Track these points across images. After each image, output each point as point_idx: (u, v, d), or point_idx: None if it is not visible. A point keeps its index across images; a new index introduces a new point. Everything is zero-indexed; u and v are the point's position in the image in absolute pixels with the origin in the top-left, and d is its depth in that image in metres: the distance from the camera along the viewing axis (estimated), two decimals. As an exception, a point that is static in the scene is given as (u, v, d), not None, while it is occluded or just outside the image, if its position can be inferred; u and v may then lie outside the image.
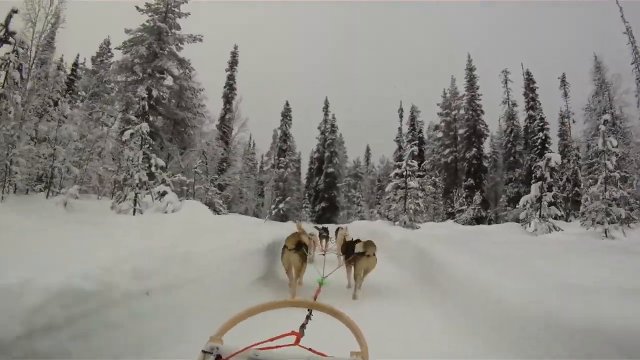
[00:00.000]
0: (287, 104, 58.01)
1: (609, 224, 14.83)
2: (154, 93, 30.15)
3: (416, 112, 55.58)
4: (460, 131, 50.78)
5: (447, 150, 50.48)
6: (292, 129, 58.18)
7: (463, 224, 31.99)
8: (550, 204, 13.36)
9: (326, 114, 59.95)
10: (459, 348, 4.45)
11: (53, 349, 2.73)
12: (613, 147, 15.73)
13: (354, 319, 1.80)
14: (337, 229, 13.13)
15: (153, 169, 15.76)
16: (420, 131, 53.20)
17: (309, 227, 12.71)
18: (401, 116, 56.51)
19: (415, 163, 21.71)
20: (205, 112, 36.69)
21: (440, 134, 52.62)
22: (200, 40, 33.00)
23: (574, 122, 47.73)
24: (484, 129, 49.58)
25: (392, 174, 21.66)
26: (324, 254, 11.13)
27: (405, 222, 18.63)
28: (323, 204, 55.58)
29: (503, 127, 50.24)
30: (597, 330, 3.05)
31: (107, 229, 9.68)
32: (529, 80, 47.21)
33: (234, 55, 46.49)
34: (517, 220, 39.10)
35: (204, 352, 1.50)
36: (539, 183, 13.98)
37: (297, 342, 1.68)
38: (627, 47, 37.93)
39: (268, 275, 7.93)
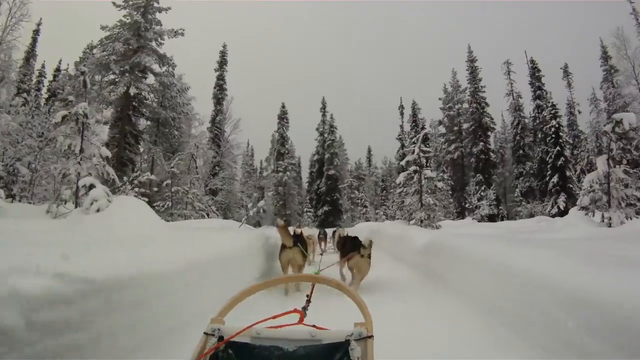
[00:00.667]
0: (283, 106, 54.61)
1: None
2: (132, 91, 26.50)
3: (417, 108, 51.95)
4: (465, 125, 47.70)
5: (453, 146, 47.14)
6: (291, 133, 55.24)
7: (479, 222, 29.04)
8: (624, 184, 9.48)
9: (324, 115, 56.28)
10: None
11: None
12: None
13: None
14: (335, 231, 13.46)
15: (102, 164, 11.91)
16: (423, 127, 49.45)
17: (306, 231, 11.86)
18: (402, 113, 53.26)
19: (430, 149, 17.77)
20: (194, 114, 33.22)
21: (443, 130, 49.30)
22: (182, 34, 29.29)
23: (579, 112, 44.71)
24: (489, 122, 46.05)
25: (403, 162, 17.78)
26: (321, 254, 10.72)
27: (422, 221, 14.83)
28: (325, 208, 51.82)
29: (509, 120, 47.11)
30: None
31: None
32: (534, 69, 44.00)
33: (223, 54, 43.05)
34: (532, 215, 37.42)
35: (206, 334, 1.49)
36: (604, 157, 10.01)
37: (300, 320, 1.66)
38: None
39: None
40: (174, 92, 29.58)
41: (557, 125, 37.47)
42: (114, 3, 28.39)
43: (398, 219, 38.80)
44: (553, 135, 37.55)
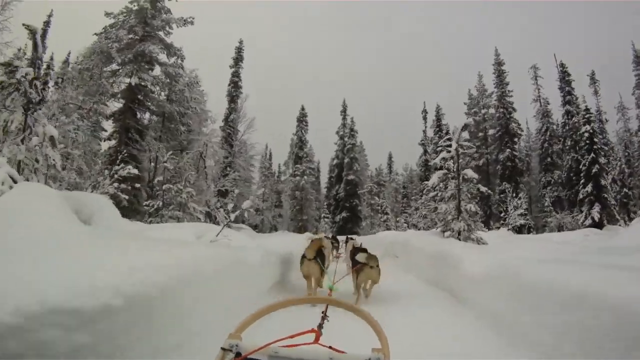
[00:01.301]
0: (303, 109, 51.78)
1: None
2: (133, 81, 23.77)
3: (441, 113, 48.59)
4: (491, 131, 44.04)
5: (477, 153, 43.51)
6: (311, 138, 53.07)
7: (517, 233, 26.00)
8: None
9: (344, 118, 52.83)
10: None
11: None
12: None
13: None
14: (347, 239, 13.46)
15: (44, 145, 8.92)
16: (447, 132, 46.01)
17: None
18: (425, 118, 50.00)
19: (472, 145, 14.45)
20: (206, 111, 30.34)
21: (467, 135, 45.77)
22: (192, 23, 26.41)
23: (607, 120, 42.71)
24: (516, 127, 42.40)
25: (437, 159, 14.53)
26: (336, 258, 11.29)
27: (459, 232, 11.55)
28: (344, 214, 48.27)
29: (537, 126, 43.35)
30: None
31: None
32: (564, 73, 40.17)
33: (239, 50, 40.07)
34: (560, 227, 34.28)
35: (223, 349, 1.49)
36: None
37: (316, 340, 1.64)
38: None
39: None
40: (182, 85, 26.77)
41: (591, 131, 33.74)
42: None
43: (421, 228, 35.86)
44: (587, 142, 33.86)
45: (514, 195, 36.28)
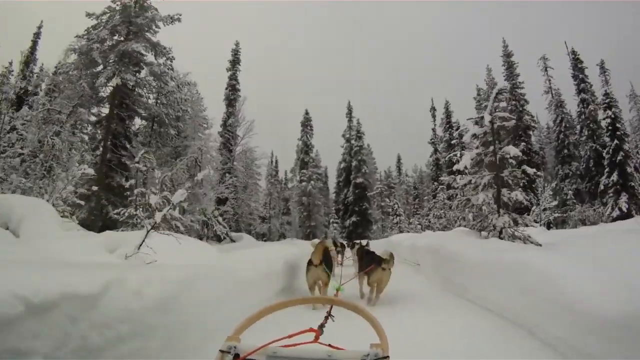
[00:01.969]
0: (307, 113, 49.13)
1: None
2: (115, 81, 21.10)
3: (450, 110, 45.64)
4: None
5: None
6: (317, 144, 50.06)
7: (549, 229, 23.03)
8: None
9: (350, 120, 50.00)
10: None
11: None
12: None
13: None
14: (353, 244, 13.42)
15: None
16: (457, 128, 43.07)
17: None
18: (434, 116, 46.97)
19: (512, 117, 11.29)
20: (201, 115, 27.78)
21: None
22: (179, 20, 23.50)
23: (620, 110, 38.19)
24: (530, 120, 39.34)
25: (466, 137, 11.61)
26: (341, 264, 10.72)
27: (500, 231, 8.37)
28: (353, 218, 45.34)
29: (549, 118, 40.06)
30: None
31: None
32: (576, 60, 37.17)
33: (235, 52, 37.39)
34: (583, 221, 31.25)
35: (221, 351, 1.43)
36: None
37: (316, 339, 1.58)
38: None
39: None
40: (172, 87, 24.17)
41: (612, 116, 30.78)
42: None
43: (436, 229, 32.93)
44: (609, 128, 30.94)
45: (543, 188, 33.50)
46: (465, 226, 21.20)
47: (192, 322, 3.80)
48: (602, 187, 30.97)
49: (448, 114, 45.00)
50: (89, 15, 22.94)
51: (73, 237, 7.95)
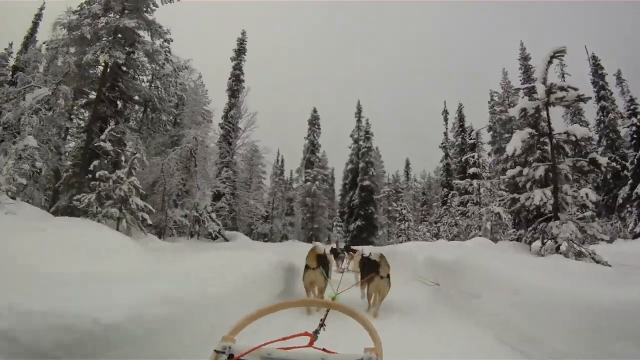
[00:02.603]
0: (315, 111, 46.93)
1: None
2: (102, 58, 18.86)
3: (463, 113, 43.23)
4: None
5: (504, 155, 37.90)
6: (325, 147, 48.99)
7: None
8: None
9: (359, 120, 47.58)
10: None
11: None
12: None
13: None
14: (351, 250, 13.18)
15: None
16: (471, 132, 40.68)
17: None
18: (446, 119, 44.53)
19: (574, 87, 8.72)
20: (201, 103, 25.65)
21: (489, 137, 40.18)
22: (178, -1, 21.65)
23: None
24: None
25: (514, 110, 9.30)
26: (342, 272, 10.31)
27: (568, 242, 5.86)
28: (358, 222, 42.78)
29: (566, 125, 37.38)
30: None
31: None
32: (596, 66, 34.73)
33: (241, 42, 34.98)
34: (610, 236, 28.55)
35: (216, 351, 1.42)
36: None
37: (310, 344, 1.58)
38: None
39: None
40: (167, 70, 22.01)
41: (638, 124, 28.49)
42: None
43: (449, 238, 30.55)
44: (634, 136, 28.79)
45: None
46: (481, 236, 18.99)
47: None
48: (620, 200, 28.89)
49: (461, 118, 42.57)
50: (82, -9, 20.87)
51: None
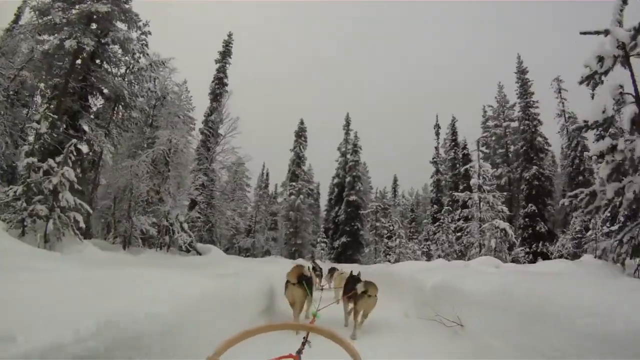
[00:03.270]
0: (302, 122, 44.82)
1: None
2: (69, 44, 16.58)
3: (455, 128, 41.58)
4: (514, 147, 37.09)
5: (499, 171, 36.26)
6: (313, 163, 47.42)
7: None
8: None
9: (347, 133, 45.50)
10: None
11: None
12: None
13: None
14: (331, 269, 13.14)
15: None
16: (465, 147, 38.94)
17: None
18: (437, 133, 42.86)
19: None
20: (181, 105, 23.41)
21: (485, 151, 38.61)
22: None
23: None
24: (543, 142, 35.24)
25: (587, 62, 6.93)
26: (321, 289, 9.73)
27: None
28: (344, 239, 40.39)
29: (560, 143, 36.28)
30: None
31: None
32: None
33: (227, 44, 32.84)
34: (598, 257, 26.82)
35: None
36: None
37: None
38: None
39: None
40: (142, 64, 19.84)
41: (642, 136, 26.84)
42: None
43: (441, 255, 28.48)
44: (637, 150, 26.99)
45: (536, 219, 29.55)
46: (483, 255, 16.90)
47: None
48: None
49: (454, 131, 40.90)
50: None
51: None
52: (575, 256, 20.72)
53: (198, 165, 25.75)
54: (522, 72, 36.84)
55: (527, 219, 32.26)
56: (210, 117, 29.30)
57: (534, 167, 33.72)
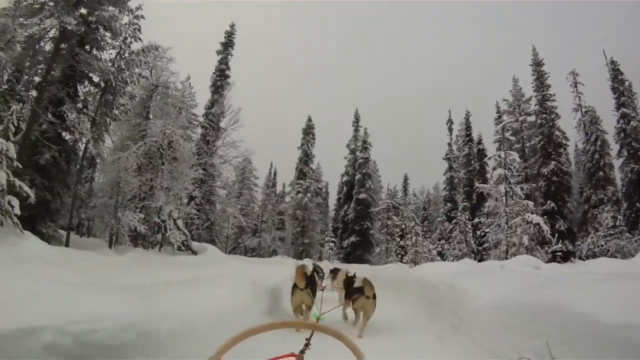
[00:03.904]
0: (310, 120, 42.99)
1: None
2: (49, 23, 15.00)
3: (469, 122, 39.46)
4: (530, 143, 35.42)
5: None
6: (321, 162, 45.46)
7: None
8: None
9: (356, 129, 43.44)
10: None
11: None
12: None
13: None
14: (333, 269, 12.32)
15: None
16: (480, 142, 36.79)
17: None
18: (450, 129, 40.54)
19: None
20: (177, 95, 21.66)
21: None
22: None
23: None
24: (561, 136, 33.01)
25: None
26: (322, 289, 8.54)
27: None
28: (353, 239, 38.17)
29: (580, 137, 33.84)
30: None
31: None
32: (616, 71, 31.28)
33: (229, 35, 30.97)
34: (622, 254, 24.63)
35: None
36: None
37: None
38: None
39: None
40: (134, 49, 18.12)
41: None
42: None
43: (457, 256, 26.38)
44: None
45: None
46: (515, 254, 14.82)
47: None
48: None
49: (468, 126, 38.77)
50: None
51: None
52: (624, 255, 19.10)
53: (197, 160, 23.93)
54: (537, 64, 34.73)
55: (545, 217, 30.14)
56: (211, 110, 27.47)
57: (553, 162, 31.63)
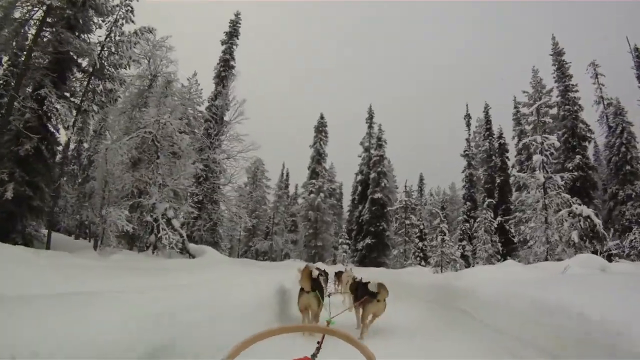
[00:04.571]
0: (322, 117, 41.03)
1: None
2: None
3: (489, 115, 37.01)
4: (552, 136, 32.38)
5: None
6: (335, 163, 43.92)
7: None
8: None
9: (370, 127, 41.27)
10: None
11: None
12: None
13: None
14: (337, 272, 12.30)
15: None
16: (501, 135, 34.33)
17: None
18: (468, 124, 38.10)
19: None
20: (173, 82, 19.81)
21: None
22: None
23: None
24: (585, 129, 30.47)
25: None
26: (329, 296, 7.97)
27: None
28: (368, 240, 35.75)
29: (603, 131, 31.15)
30: None
31: None
32: (640, 58, 28.92)
33: (234, 24, 28.99)
34: None
35: None
36: None
37: None
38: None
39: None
40: (128, 35, 16.27)
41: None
42: None
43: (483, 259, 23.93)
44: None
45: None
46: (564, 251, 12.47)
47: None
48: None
49: (488, 120, 36.31)
50: None
51: None
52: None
53: (200, 155, 21.91)
54: (558, 53, 32.34)
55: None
56: (214, 102, 25.40)
57: (577, 156, 29.12)
